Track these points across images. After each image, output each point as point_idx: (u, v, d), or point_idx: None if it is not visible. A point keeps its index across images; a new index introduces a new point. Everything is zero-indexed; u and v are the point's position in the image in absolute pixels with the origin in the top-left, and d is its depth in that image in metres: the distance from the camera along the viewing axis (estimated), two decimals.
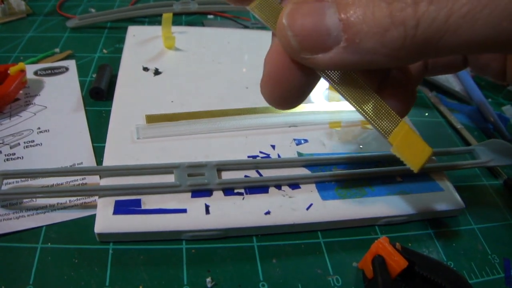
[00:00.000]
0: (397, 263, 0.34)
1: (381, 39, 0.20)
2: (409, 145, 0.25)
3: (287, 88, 0.26)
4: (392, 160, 0.46)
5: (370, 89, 0.25)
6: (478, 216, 0.45)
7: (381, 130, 0.26)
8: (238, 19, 0.73)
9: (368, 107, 0.25)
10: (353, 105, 0.26)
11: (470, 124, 0.59)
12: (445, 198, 0.43)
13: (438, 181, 0.45)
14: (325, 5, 0.21)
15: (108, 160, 0.41)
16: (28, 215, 0.38)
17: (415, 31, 0.19)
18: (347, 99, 0.26)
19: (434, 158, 0.48)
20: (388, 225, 0.42)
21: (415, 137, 0.25)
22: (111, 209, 0.37)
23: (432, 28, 0.19)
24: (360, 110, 0.26)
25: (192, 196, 0.39)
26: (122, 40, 0.61)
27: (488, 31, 0.18)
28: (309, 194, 0.41)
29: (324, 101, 0.54)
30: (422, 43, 0.20)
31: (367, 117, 0.26)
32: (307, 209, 0.40)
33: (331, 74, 0.25)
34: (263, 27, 0.71)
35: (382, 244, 0.35)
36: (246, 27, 0.71)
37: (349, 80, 0.25)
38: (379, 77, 0.28)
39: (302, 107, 0.51)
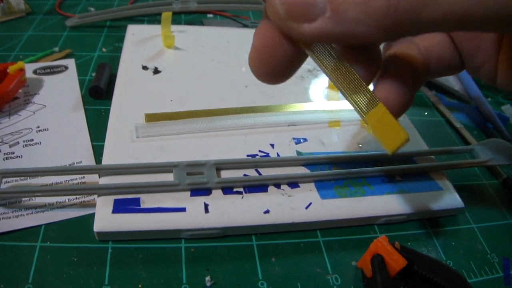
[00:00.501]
0: (396, 262, 0.34)
1: (365, 9, 0.20)
2: (385, 126, 0.25)
3: (275, 62, 0.26)
4: (391, 159, 0.46)
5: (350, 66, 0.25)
6: (477, 215, 0.45)
7: (358, 108, 0.26)
8: (238, 18, 0.73)
9: (348, 84, 0.25)
10: (333, 81, 0.26)
11: (470, 123, 0.59)
12: (445, 197, 0.43)
13: (437, 180, 0.45)
14: None
15: (107, 159, 0.41)
16: (27, 214, 0.38)
17: (398, 0, 0.19)
18: (327, 74, 0.26)
19: (433, 157, 0.48)
20: (387, 224, 0.42)
21: (392, 121, 0.25)
22: (110, 208, 0.37)
23: None
24: (340, 86, 0.26)
25: (191, 195, 0.39)
26: (121, 39, 0.61)
27: (469, 4, 0.19)
28: (308, 193, 0.41)
29: (324, 100, 0.54)
30: (406, 14, 0.20)
31: (345, 92, 0.26)
32: (306, 208, 0.40)
33: (316, 50, 0.25)
34: None
35: (381, 243, 0.36)
36: (245, 26, 0.71)
37: (332, 56, 0.25)
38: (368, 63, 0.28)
39: (301, 106, 0.51)
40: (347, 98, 0.26)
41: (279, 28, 0.24)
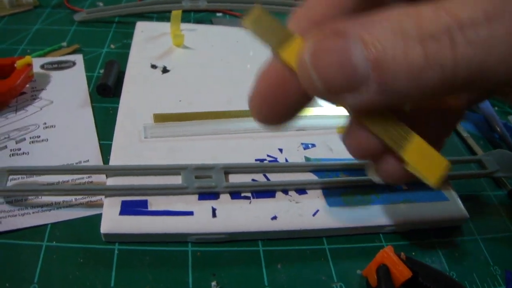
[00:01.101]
0: (401, 273, 0.34)
1: (414, 80, 0.18)
2: (423, 157, 0.24)
3: (280, 107, 0.25)
4: None
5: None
6: (481, 226, 0.44)
7: (392, 144, 0.24)
8: None
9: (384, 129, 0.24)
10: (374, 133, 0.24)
11: (476, 132, 0.59)
12: (450, 207, 0.43)
13: (443, 190, 0.45)
14: (350, 41, 0.19)
15: (115, 159, 0.41)
16: (33, 212, 0.37)
17: (453, 72, 0.18)
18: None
19: None
20: (392, 233, 0.42)
21: (430, 150, 0.24)
22: (118, 209, 0.37)
23: (470, 69, 0.18)
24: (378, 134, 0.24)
25: (199, 199, 0.39)
26: (130, 36, 0.61)
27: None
28: (315, 200, 0.41)
29: (332, 105, 0.53)
30: (459, 83, 0.19)
31: (378, 134, 0.24)
32: (314, 215, 0.40)
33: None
34: None
35: (387, 254, 0.35)
36: None
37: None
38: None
39: (310, 111, 0.50)
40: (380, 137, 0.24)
41: (315, 95, 0.22)
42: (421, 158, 0.24)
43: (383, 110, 0.23)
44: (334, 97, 0.21)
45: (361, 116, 0.23)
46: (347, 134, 0.25)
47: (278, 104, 0.24)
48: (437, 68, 0.18)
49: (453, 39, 0.17)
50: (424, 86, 0.19)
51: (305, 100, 0.24)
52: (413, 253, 0.40)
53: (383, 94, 0.19)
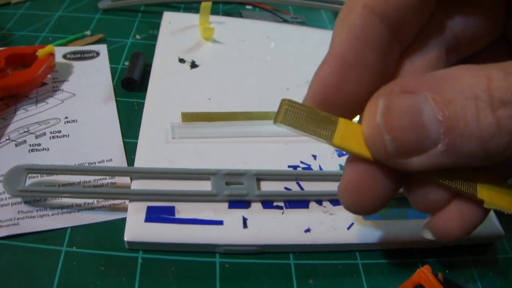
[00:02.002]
0: None
1: (484, 145, 0.18)
2: (497, 190, 0.23)
3: (370, 197, 0.24)
4: None
5: None
6: None
7: (469, 194, 0.23)
8: (278, 12, 0.70)
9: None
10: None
11: None
12: (485, 223, 0.40)
13: None
14: (420, 100, 0.19)
15: (140, 160, 0.39)
16: (52, 214, 0.36)
17: None
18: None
19: None
20: (427, 248, 0.40)
21: (500, 184, 0.23)
22: (143, 216, 0.35)
23: None
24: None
25: (229, 207, 0.37)
26: (156, 26, 0.59)
27: None
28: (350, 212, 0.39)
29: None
30: None
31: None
32: (348, 228, 0.38)
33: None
34: (303, 23, 0.68)
35: (424, 274, 0.33)
36: (285, 21, 0.68)
37: None
38: None
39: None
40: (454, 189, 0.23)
41: (380, 161, 0.22)
42: (495, 193, 0.23)
43: None
44: (401, 160, 0.20)
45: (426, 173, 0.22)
46: (412, 191, 0.25)
47: (368, 195, 0.23)
48: (507, 134, 0.18)
49: None
50: (492, 151, 0.19)
51: (394, 186, 0.24)
52: (447, 271, 0.38)
53: (450, 157, 0.19)
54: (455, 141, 0.19)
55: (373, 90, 0.21)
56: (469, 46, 0.26)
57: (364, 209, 0.24)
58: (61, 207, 0.36)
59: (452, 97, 0.18)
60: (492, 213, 0.41)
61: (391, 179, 0.23)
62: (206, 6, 0.56)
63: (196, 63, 0.52)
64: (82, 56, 0.53)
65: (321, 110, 0.22)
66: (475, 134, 0.18)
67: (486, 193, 0.23)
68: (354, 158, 0.23)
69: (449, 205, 0.24)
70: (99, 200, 0.37)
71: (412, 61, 0.24)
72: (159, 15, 0.61)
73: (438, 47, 0.24)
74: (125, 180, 0.39)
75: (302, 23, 0.68)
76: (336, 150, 0.44)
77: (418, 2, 0.22)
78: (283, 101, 0.22)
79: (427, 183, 0.23)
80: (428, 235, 0.27)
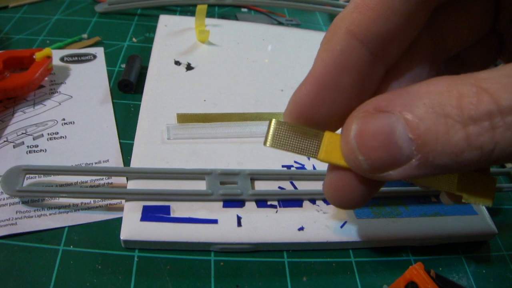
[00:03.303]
0: None
1: (456, 159, 0.19)
2: (474, 186, 0.24)
3: (350, 196, 0.25)
4: None
5: None
6: (509, 241, 0.43)
7: (448, 190, 0.25)
8: (273, 14, 0.71)
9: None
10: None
11: None
12: (479, 222, 0.41)
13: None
14: (393, 119, 0.20)
15: (136, 161, 0.40)
16: (50, 214, 0.36)
17: (491, 153, 0.19)
18: None
19: None
20: (420, 246, 0.40)
21: (476, 175, 0.24)
22: (139, 215, 0.35)
23: (507, 151, 0.19)
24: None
25: (224, 206, 0.37)
26: (152, 29, 0.60)
27: None
28: (343, 210, 0.39)
29: None
30: (494, 161, 0.19)
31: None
32: (342, 227, 0.38)
33: None
34: (298, 25, 0.69)
35: (417, 271, 0.34)
36: (280, 23, 0.68)
37: None
38: None
39: None
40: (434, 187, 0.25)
41: (360, 174, 0.23)
42: (472, 188, 0.24)
43: None
44: (377, 174, 0.21)
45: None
46: None
47: (348, 194, 0.25)
48: (477, 149, 0.19)
49: (493, 124, 0.18)
50: (463, 163, 0.19)
51: (372, 187, 0.25)
52: (440, 268, 0.39)
53: (424, 169, 0.20)
54: (427, 156, 0.19)
55: (350, 109, 0.22)
56: (458, 45, 0.26)
57: (346, 205, 0.26)
58: (59, 207, 0.37)
59: (424, 114, 0.19)
60: (485, 212, 0.42)
61: (368, 183, 0.24)
62: (202, 8, 0.56)
63: (192, 65, 0.52)
64: (79, 59, 0.53)
65: (306, 126, 0.23)
66: (446, 149, 0.19)
67: (464, 189, 0.24)
68: (333, 178, 0.25)
69: None
70: (96, 200, 0.38)
71: (398, 77, 0.25)
72: (156, 18, 0.61)
73: (425, 57, 0.25)
74: (122, 180, 0.39)
75: (297, 26, 0.69)
76: None
77: (403, 26, 0.22)
78: (271, 123, 0.23)
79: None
80: (445, 200, 0.28)
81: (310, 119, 0.23)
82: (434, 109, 0.19)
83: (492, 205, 0.24)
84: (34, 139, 0.42)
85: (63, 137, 0.42)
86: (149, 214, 0.36)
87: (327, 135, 0.23)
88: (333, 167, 0.25)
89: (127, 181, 0.38)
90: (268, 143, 0.23)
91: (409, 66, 0.25)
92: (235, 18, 0.69)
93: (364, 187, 0.24)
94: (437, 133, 0.19)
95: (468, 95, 0.18)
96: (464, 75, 0.19)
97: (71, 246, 0.35)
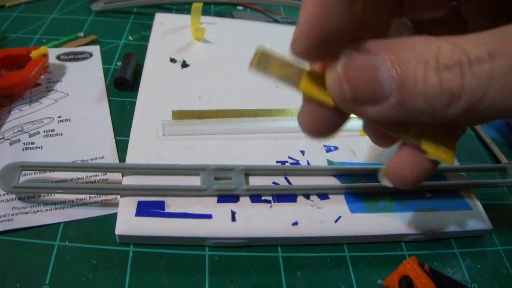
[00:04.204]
0: (424, 285, 0.33)
1: (429, 102, 0.22)
2: (437, 143, 0.27)
3: (322, 124, 0.28)
4: None
5: None
6: (504, 237, 0.43)
7: (411, 142, 0.27)
8: (269, 12, 0.71)
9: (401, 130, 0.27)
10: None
11: (499, 138, 0.57)
12: (473, 217, 0.41)
13: (466, 199, 0.43)
14: (379, 59, 0.22)
15: (132, 157, 0.40)
16: (45, 210, 0.36)
17: (459, 99, 0.21)
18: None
19: (463, 175, 0.46)
20: (414, 242, 0.40)
21: (440, 135, 0.27)
22: (134, 210, 0.36)
23: (473, 98, 0.21)
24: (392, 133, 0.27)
25: (218, 201, 0.38)
26: (148, 27, 0.60)
27: None
28: (337, 205, 0.40)
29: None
30: (463, 109, 0.21)
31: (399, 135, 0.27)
32: (336, 221, 0.38)
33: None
34: (294, 23, 0.69)
35: (410, 265, 0.34)
36: (276, 21, 0.69)
37: None
38: None
39: None
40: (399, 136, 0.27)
41: (339, 105, 0.25)
42: (435, 144, 0.27)
43: None
44: (357, 108, 0.23)
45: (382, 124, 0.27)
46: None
47: (321, 123, 0.27)
48: (448, 93, 0.21)
49: (462, 71, 0.21)
50: (436, 108, 0.22)
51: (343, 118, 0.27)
52: (435, 263, 0.39)
53: (400, 110, 0.22)
54: (405, 97, 0.22)
55: (349, 29, 0.24)
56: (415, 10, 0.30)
57: (317, 133, 0.28)
58: (54, 203, 0.37)
59: (407, 59, 0.21)
60: (480, 207, 0.42)
61: (338, 114, 0.26)
62: (197, 6, 0.56)
63: (187, 62, 0.53)
64: (75, 57, 0.53)
65: (290, 60, 0.25)
66: (422, 92, 0.21)
67: (430, 146, 0.26)
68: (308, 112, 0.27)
69: (400, 152, 0.28)
70: (91, 195, 0.38)
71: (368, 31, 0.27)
72: (151, 17, 0.61)
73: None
74: (117, 176, 0.39)
75: (292, 23, 0.69)
76: (324, 146, 0.45)
77: None
78: (258, 49, 0.24)
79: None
80: (386, 182, 0.30)
81: (322, 31, 0.23)
82: (416, 56, 0.21)
83: (452, 164, 0.27)
84: (30, 136, 0.42)
85: (59, 134, 0.43)
86: (144, 210, 0.36)
87: (309, 71, 0.25)
88: (308, 99, 0.27)
89: (122, 177, 0.39)
90: (253, 65, 0.24)
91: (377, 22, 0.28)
92: (231, 16, 0.69)
93: (336, 117, 0.27)
94: (416, 77, 0.21)
95: (445, 48, 0.21)
96: (442, 37, 0.22)
97: (67, 242, 0.35)
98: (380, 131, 0.29)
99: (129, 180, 0.38)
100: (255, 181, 0.40)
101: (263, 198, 0.39)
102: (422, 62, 0.21)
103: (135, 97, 0.47)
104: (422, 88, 0.21)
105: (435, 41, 0.22)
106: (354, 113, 0.24)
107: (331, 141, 0.46)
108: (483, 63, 0.20)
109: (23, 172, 0.38)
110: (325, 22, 0.24)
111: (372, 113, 0.23)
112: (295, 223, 0.37)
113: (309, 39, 0.24)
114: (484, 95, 0.21)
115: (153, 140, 0.42)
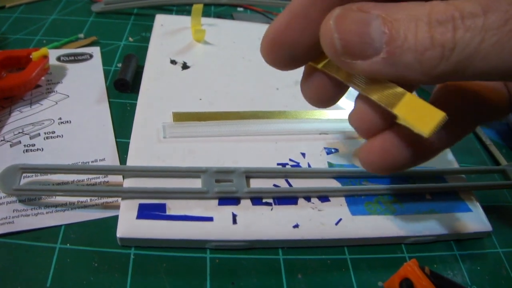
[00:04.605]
0: None
1: (419, 57, 0.22)
2: (416, 110, 0.24)
3: (323, 93, 0.29)
4: (423, 176, 0.44)
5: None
6: (504, 239, 0.43)
7: (384, 103, 0.25)
8: (269, 14, 0.71)
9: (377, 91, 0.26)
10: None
11: (499, 140, 0.57)
12: (473, 219, 0.41)
13: (466, 201, 0.43)
14: (371, 15, 0.22)
15: (132, 159, 0.40)
16: (46, 212, 0.36)
17: (451, 53, 0.21)
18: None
19: (463, 177, 0.46)
20: (414, 244, 0.40)
21: (423, 103, 0.24)
22: (135, 213, 0.36)
23: (465, 52, 0.21)
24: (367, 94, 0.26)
25: (219, 204, 0.38)
26: (148, 29, 0.60)
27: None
28: (338, 208, 0.40)
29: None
30: (455, 64, 0.22)
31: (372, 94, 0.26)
32: (336, 224, 0.38)
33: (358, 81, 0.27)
34: None
35: (411, 267, 0.34)
36: None
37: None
38: None
39: (333, 114, 0.49)
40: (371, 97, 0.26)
41: (330, 57, 0.25)
42: (412, 110, 0.24)
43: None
44: (347, 61, 0.24)
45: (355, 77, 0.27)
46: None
47: (321, 94, 0.30)
48: (439, 48, 0.21)
49: (455, 25, 0.21)
50: (426, 63, 0.22)
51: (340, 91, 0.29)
52: (435, 265, 0.39)
53: (389, 65, 0.23)
54: (395, 51, 0.22)
55: (316, 39, 0.25)
56: None
57: (318, 102, 0.30)
58: (55, 205, 0.37)
59: (398, 17, 0.22)
60: (480, 210, 0.42)
61: (337, 85, 0.28)
62: (197, 8, 0.56)
63: (188, 64, 0.53)
64: (76, 58, 0.53)
65: None
66: (412, 47, 0.22)
67: (403, 110, 0.25)
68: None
69: (374, 138, 0.29)
70: (92, 198, 0.38)
71: None
72: (152, 18, 0.61)
73: None
74: (118, 178, 0.39)
75: None
76: (324, 148, 0.45)
77: None
78: None
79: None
80: (357, 162, 0.31)
81: (281, 42, 0.26)
82: (409, 15, 0.22)
83: (429, 136, 0.23)
84: (31, 138, 0.42)
85: (60, 136, 0.43)
86: (145, 212, 0.36)
87: None
88: (309, 72, 0.29)
89: (123, 180, 0.39)
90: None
91: None
92: (231, 17, 0.69)
93: (335, 88, 0.29)
94: (407, 32, 0.22)
95: (437, 5, 0.22)
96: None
97: (68, 244, 0.35)
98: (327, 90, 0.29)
99: (130, 183, 0.38)
100: (256, 184, 0.40)
101: (264, 200, 0.39)
102: (414, 20, 0.22)
103: (136, 98, 0.47)
104: (412, 42, 0.22)
105: (428, 2, 0.22)
106: (344, 67, 0.24)
107: (331, 144, 0.46)
108: (476, 17, 0.21)
109: (24, 175, 0.37)
110: (282, 37, 0.26)
111: (362, 67, 0.23)
112: (296, 226, 0.37)
113: (270, 51, 0.27)
114: (477, 49, 0.21)
115: (153, 142, 0.42)
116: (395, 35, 0.22)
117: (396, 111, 0.25)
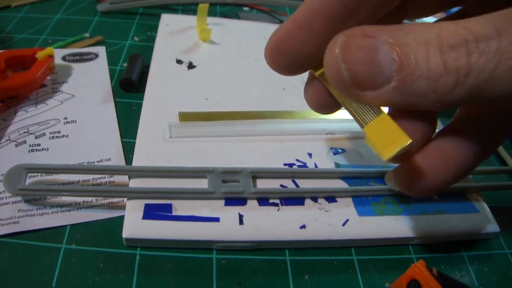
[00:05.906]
0: None
1: (433, 84, 0.21)
2: (384, 132, 0.24)
3: (324, 103, 0.30)
4: None
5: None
6: (511, 240, 0.43)
7: (358, 119, 0.25)
8: (275, 13, 0.71)
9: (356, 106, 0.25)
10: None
11: (507, 141, 0.57)
12: (481, 220, 0.41)
13: (473, 202, 0.43)
14: (378, 41, 0.21)
15: (138, 159, 0.40)
16: (52, 212, 0.36)
17: (466, 78, 0.20)
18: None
19: (470, 177, 0.46)
20: (421, 244, 0.40)
21: (394, 126, 0.24)
22: (141, 213, 0.35)
23: (480, 77, 0.20)
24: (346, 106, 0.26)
25: (226, 204, 0.37)
26: (154, 28, 0.60)
27: None
28: (345, 208, 0.39)
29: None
30: (470, 90, 0.21)
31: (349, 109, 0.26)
32: (343, 224, 0.38)
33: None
34: None
35: (419, 269, 0.34)
36: (282, 22, 0.68)
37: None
38: None
39: (339, 114, 0.48)
40: (350, 113, 0.26)
41: (338, 90, 0.25)
42: (381, 132, 0.24)
43: None
44: (356, 92, 0.23)
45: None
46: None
47: (323, 102, 0.30)
48: (453, 74, 0.20)
49: (468, 49, 0.20)
50: (440, 91, 0.21)
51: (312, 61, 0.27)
52: (442, 266, 0.39)
53: (401, 94, 0.22)
54: (406, 79, 0.21)
55: (317, 50, 0.25)
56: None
57: (319, 110, 0.31)
58: (61, 205, 0.37)
59: (406, 42, 0.21)
60: (488, 211, 0.42)
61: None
62: (203, 7, 0.56)
63: (194, 64, 0.52)
64: (81, 58, 0.53)
65: None
66: (424, 74, 0.20)
67: (372, 130, 0.24)
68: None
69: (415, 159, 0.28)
70: (98, 198, 0.38)
71: None
72: (157, 17, 0.61)
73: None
74: (123, 178, 0.39)
75: None
76: (331, 148, 0.45)
77: None
78: None
79: None
80: (393, 186, 0.30)
81: (283, 50, 0.26)
82: (416, 39, 0.21)
83: (388, 160, 0.24)
84: (36, 138, 0.42)
85: (65, 136, 0.43)
86: (151, 213, 0.36)
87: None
88: (311, 78, 0.29)
89: (129, 180, 0.38)
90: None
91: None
92: (237, 17, 0.69)
93: (333, 96, 0.28)
94: (417, 57, 0.21)
95: (447, 28, 0.21)
96: (443, 21, 0.21)
97: (73, 245, 0.35)
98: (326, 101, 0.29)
99: (136, 183, 0.38)
100: (263, 184, 0.40)
101: (270, 201, 0.38)
102: (423, 44, 0.21)
103: (141, 98, 0.47)
104: (424, 69, 0.21)
105: (436, 24, 0.21)
106: (353, 98, 0.24)
107: (338, 144, 0.45)
108: (490, 40, 0.20)
109: (29, 174, 0.37)
110: (284, 46, 0.26)
111: (372, 97, 0.22)
112: (303, 226, 0.37)
113: (272, 58, 0.27)
114: (493, 74, 0.20)
115: (159, 142, 0.42)
116: (405, 62, 0.21)
117: (366, 129, 0.24)
